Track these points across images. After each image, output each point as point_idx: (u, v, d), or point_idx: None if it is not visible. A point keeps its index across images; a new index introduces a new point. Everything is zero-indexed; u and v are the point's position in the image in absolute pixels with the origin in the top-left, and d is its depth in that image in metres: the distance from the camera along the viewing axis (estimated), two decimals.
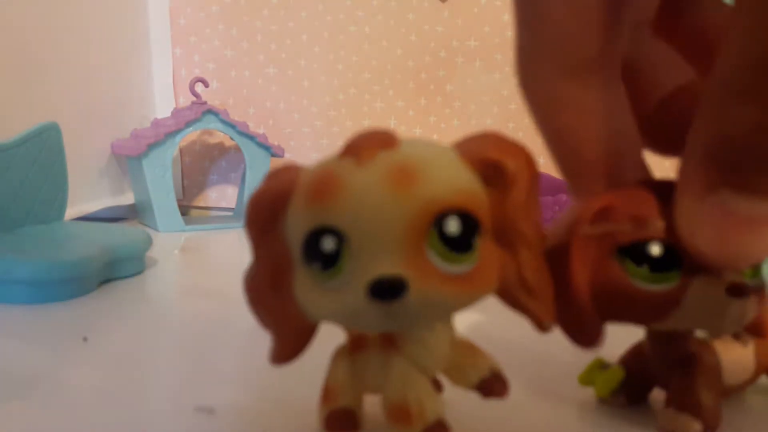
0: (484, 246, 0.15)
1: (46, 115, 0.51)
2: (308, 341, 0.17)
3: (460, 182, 0.15)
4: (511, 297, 0.16)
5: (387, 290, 0.14)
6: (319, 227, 0.14)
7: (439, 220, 0.14)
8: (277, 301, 0.16)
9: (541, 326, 0.16)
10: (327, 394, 0.19)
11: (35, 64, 0.60)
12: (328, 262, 0.14)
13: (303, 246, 0.15)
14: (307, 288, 0.15)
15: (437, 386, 0.21)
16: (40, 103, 0.60)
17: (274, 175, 0.16)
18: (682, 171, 0.14)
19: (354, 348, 0.19)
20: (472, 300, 0.15)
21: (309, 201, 0.15)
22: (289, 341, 0.17)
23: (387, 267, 0.14)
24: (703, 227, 0.14)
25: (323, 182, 0.15)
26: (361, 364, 0.18)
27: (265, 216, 0.16)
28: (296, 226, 0.15)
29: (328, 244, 0.14)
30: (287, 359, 0.17)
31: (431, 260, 0.14)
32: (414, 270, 0.14)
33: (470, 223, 0.14)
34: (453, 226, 0.14)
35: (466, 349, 0.18)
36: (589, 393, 0.22)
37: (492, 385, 0.18)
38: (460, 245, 0.14)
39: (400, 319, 0.14)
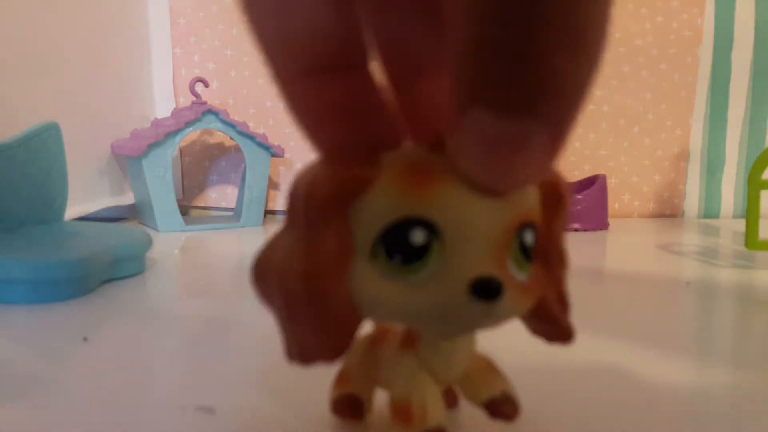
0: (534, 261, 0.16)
1: (46, 115, 0.51)
2: (353, 337, 0.15)
3: (534, 198, 0.15)
4: (544, 310, 0.16)
5: (490, 290, 0.14)
6: (410, 218, 0.14)
7: (522, 230, 0.15)
8: (332, 296, 0.15)
9: (569, 338, 0.17)
10: (340, 378, 0.20)
11: (35, 64, 0.60)
12: (414, 255, 0.14)
13: (384, 236, 0.14)
14: (374, 282, 0.14)
15: (452, 399, 0.21)
16: (40, 103, 0.60)
17: (347, 161, 0.15)
18: (450, 96, 0.13)
19: (375, 341, 0.19)
20: (528, 307, 0.15)
21: (400, 189, 0.14)
22: (340, 338, 0.15)
23: (483, 268, 0.14)
24: (465, 149, 0.13)
25: (418, 171, 0.14)
26: (378, 356, 0.19)
27: (338, 199, 0.14)
28: (376, 214, 0.14)
29: (419, 236, 0.14)
30: (334, 357, 0.15)
31: (508, 266, 0.15)
32: (501, 274, 0.14)
33: (535, 237, 0.15)
34: (530, 237, 0.15)
35: (482, 366, 0.18)
36: (583, 399, 0.22)
37: (500, 407, 0.18)
38: (528, 255, 0.15)
39: (490, 320, 0.14)
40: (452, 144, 0.13)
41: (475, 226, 0.14)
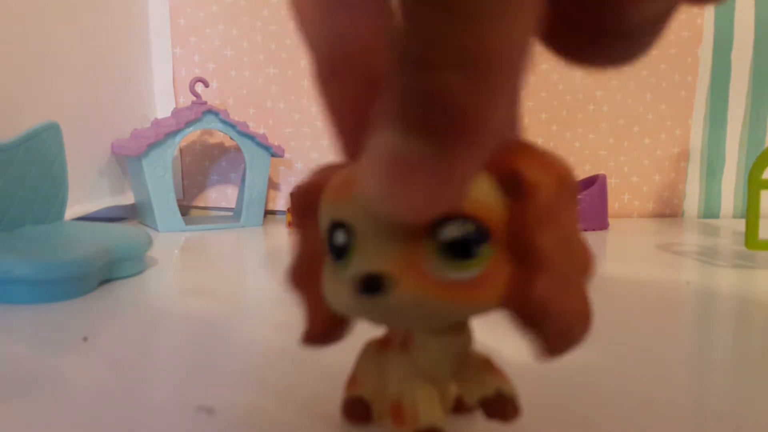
0: (495, 257, 0.14)
1: (46, 115, 0.51)
2: (334, 329, 0.17)
3: (480, 190, 0.14)
4: (523, 315, 0.14)
5: (368, 285, 0.14)
6: (334, 221, 0.15)
7: (439, 224, 0.14)
8: (310, 287, 0.17)
9: (548, 354, 0.15)
10: (350, 381, 0.20)
11: (35, 63, 0.60)
12: (340, 254, 0.15)
13: (324, 238, 0.16)
14: (326, 277, 0.16)
15: (463, 405, 0.20)
16: (40, 103, 0.60)
17: (317, 171, 0.17)
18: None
19: (382, 345, 0.19)
20: (472, 309, 0.14)
21: (329, 196, 0.16)
22: (316, 325, 0.17)
23: (377, 263, 0.14)
24: (371, 174, 0.13)
25: (342, 180, 0.16)
26: (384, 360, 0.19)
27: (302, 206, 0.17)
28: (322, 219, 0.16)
29: (339, 237, 0.15)
30: (313, 341, 0.17)
31: (427, 263, 0.14)
32: (406, 270, 0.14)
33: (474, 230, 0.14)
34: (452, 231, 0.14)
35: (478, 365, 0.18)
36: (588, 407, 0.22)
37: (494, 406, 0.17)
38: (460, 251, 0.14)
39: (380, 315, 0.15)
40: (361, 171, 0.13)
41: (378, 225, 0.14)
